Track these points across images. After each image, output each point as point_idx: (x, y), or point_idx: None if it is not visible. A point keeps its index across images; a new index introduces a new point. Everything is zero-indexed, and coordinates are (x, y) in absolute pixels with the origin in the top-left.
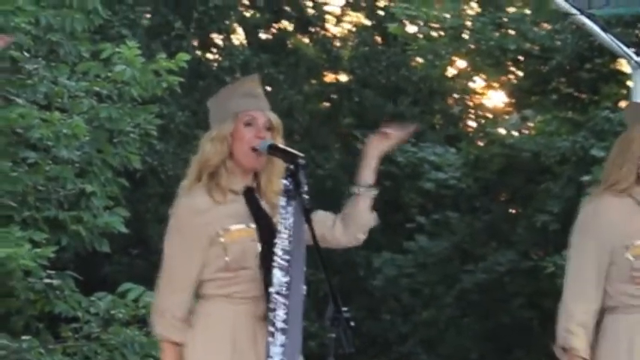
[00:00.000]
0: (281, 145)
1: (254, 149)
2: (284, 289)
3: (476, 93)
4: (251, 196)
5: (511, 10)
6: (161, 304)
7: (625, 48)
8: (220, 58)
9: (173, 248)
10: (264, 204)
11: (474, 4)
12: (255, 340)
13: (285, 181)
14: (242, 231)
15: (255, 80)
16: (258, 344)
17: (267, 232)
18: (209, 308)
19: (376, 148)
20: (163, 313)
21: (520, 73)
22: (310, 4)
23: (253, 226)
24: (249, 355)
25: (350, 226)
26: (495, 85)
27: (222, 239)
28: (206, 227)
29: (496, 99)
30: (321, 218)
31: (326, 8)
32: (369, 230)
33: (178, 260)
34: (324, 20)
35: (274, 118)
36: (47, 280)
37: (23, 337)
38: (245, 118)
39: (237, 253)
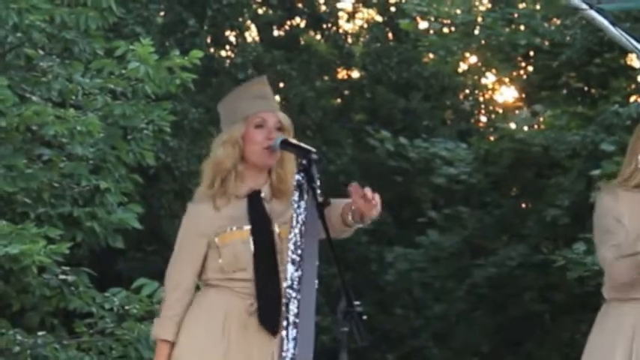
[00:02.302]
0: (294, 141)
1: (267, 148)
2: (296, 283)
3: (487, 88)
4: (254, 199)
5: (521, 5)
6: (162, 304)
7: (634, 43)
8: (233, 55)
9: (176, 251)
10: (276, 204)
11: (484, 0)
12: (246, 330)
13: (297, 176)
14: (235, 233)
15: (264, 82)
16: (249, 334)
17: (261, 233)
18: (206, 294)
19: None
20: (160, 312)
21: (530, 68)
22: (322, 0)
23: (248, 227)
24: (238, 342)
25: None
26: (506, 80)
27: (216, 242)
28: (204, 232)
29: (507, 94)
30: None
31: (338, 5)
32: (381, 225)
33: (176, 263)
34: (336, 17)
35: (284, 118)
36: (62, 276)
37: (38, 333)
38: (255, 120)
39: (230, 256)
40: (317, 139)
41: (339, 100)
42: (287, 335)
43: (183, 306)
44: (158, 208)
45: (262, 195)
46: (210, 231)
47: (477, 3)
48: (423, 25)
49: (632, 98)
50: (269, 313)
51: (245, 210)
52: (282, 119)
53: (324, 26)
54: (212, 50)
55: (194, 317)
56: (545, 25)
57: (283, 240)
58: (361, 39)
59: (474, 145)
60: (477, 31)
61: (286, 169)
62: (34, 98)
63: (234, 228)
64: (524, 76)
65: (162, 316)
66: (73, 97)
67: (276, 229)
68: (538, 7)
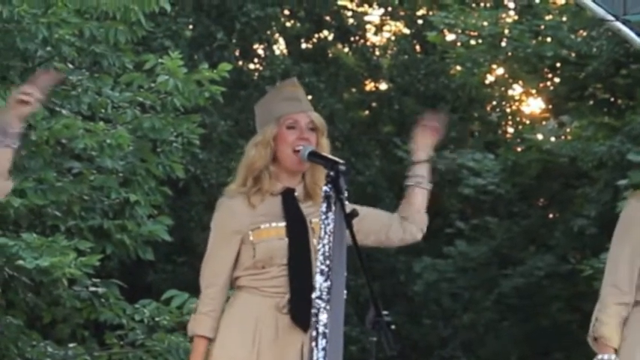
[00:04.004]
0: (321, 152)
1: (296, 151)
2: (325, 293)
3: (514, 100)
4: (288, 196)
5: (548, 17)
6: (197, 302)
7: None
8: (262, 68)
9: (209, 248)
10: (308, 205)
11: (511, 12)
12: (276, 332)
13: (325, 187)
14: (271, 229)
15: (295, 83)
16: (279, 337)
17: (296, 229)
18: (238, 298)
19: (422, 142)
20: (195, 309)
21: (557, 80)
22: (350, 13)
23: (283, 224)
24: (269, 345)
25: (406, 221)
26: (533, 91)
27: (251, 238)
28: (239, 229)
29: (534, 105)
30: (377, 221)
31: (366, 18)
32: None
33: (210, 260)
34: (363, 30)
35: (317, 118)
36: (92, 289)
37: (69, 345)
38: (287, 122)
39: (264, 251)
40: (345, 151)
41: (367, 112)
42: (316, 345)
43: (219, 302)
44: (188, 220)
45: (296, 194)
46: (245, 227)
47: (503, 15)
48: (450, 37)
49: None
50: (301, 308)
51: (280, 207)
52: (314, 119)
53: (352, 39)
54: (240, 63)
55: (226, 324)
56: (572, 36)
57: (317, 238)
58: (389, 51)
59: (502, 156)
60: (503, 43)
61: (317, 176)
62: (63, 112)
63: (270, 224)
64: (551, 88)
65: (198, 312)
66: (103, 111)
67: (310, 226)
68: (564, 19)
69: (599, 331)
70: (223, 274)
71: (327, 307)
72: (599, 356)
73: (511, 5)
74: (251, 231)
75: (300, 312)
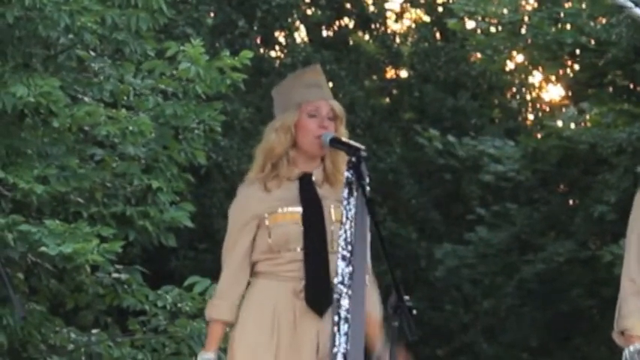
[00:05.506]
0: (343, 138)
1: (318, 137)
2: (347, 279)
3: (534, 87)
4: (305, 181)
5: (567, 4)
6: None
7: None
8: (283, 55)
9: (227, 235)
10: (327, 189)
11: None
12: (294, 317)
13: (347, 173)
14: (287, 214)
15: (317, 70)
16: (297, 322)
17: (312, 214)
18: (256, 284)
19: None
20: (213, 294)
21: (577, 67)
22: (371, 1)
23: (299, 209)
24: (288, 330)
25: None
26: (552, 78)
27: (267, 222)
28: (254, 214)
29: (553, 92)
30: None
31: (386, 5)
32: (430, 222)
33: (228, 247)
34: (384, 17)
35: (337, 107)
36: (115, 275)
37: (92, 331)
38: (308, 109)
39: (280, 236)
40: (366, 138)
41: (387, 100)
42: (339, 330)
43: (237, 287)
44: (210, 207)
45: (313, 178)
46: (261, 211)
47: (523, 2)
48: (470, 24)
49: None
50: (316, 293)
51: (297, 192)
52: (334, 107)
53: (373, 26)
54: (262, 51)
55: (246, 311)
56: (591, 23)
57: (334, 222)
58: (409, 39)
59: (522, 143)
60: (523, 30)
61: (338, 162)
62: (86, 99)
63: (286, 209)
64: (571, 75)
65: (214, 297)
66: (125, 98)
67: (327, 211)
68: (584, 6)
69: (622, 324)
70: (241, 261)
71: (349, 293)
72: (630, 347)
73: None
74: (267, 215)
75: (316, 297)
